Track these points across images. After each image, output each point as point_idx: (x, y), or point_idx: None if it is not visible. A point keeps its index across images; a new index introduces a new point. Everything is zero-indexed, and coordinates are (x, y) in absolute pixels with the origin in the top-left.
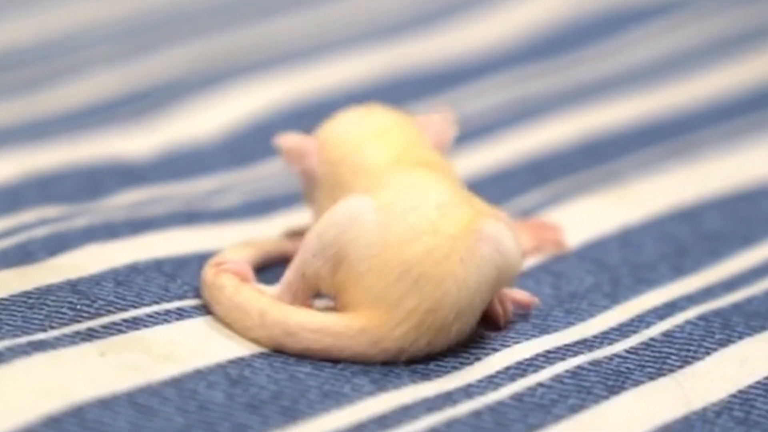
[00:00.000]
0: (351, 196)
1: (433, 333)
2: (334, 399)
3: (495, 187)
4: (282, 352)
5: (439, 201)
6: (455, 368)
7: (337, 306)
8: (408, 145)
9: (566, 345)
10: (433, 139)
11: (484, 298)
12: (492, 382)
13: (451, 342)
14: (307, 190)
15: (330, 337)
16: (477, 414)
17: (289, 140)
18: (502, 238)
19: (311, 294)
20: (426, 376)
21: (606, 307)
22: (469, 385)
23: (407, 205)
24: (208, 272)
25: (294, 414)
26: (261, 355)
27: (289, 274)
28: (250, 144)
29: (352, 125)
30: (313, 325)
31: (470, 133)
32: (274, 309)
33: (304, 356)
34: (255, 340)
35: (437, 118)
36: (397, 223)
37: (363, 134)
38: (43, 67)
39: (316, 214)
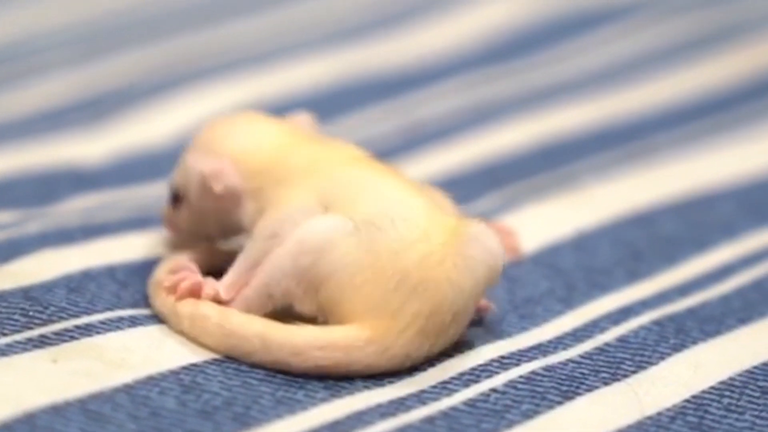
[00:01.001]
0: (320, 215)
1: (434, 337)
2: (287, 405)
3: (450, 192)
4: (233, 359)
5: (425, 209)
6: (409, 374)
7: (325, 321)
8: (324, 140)
9: (520, 350)
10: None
11: (476, 300)
12: (446, 387)
13: (448, 345)
14: (222, 215)
15: (339, 351)
16: (430, 419)
17: (203, 162)
18: (489, 240)
19: (269, 310)
20: (379, 382)
21: (560, 312)
22: (423, 391)
23: (394, 216)
24: (178, 302)
25: (247, 420)
26: (214, 362)
27: (249, 290)
28: None
29: (251, 133)
30: (319, 341)
31: (426, 137)
32: (273, 331)
33: (308, 374)
34: (256, 364)
35: (305, 119)
36: (386, 236)
37: (273, 139)
38: None
39: (245, 231)
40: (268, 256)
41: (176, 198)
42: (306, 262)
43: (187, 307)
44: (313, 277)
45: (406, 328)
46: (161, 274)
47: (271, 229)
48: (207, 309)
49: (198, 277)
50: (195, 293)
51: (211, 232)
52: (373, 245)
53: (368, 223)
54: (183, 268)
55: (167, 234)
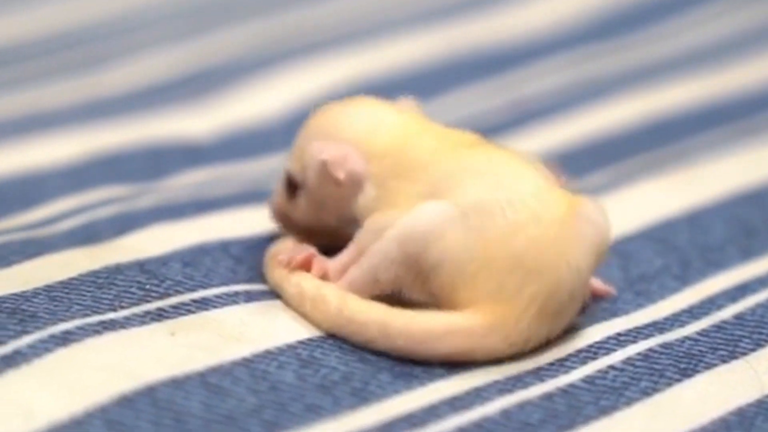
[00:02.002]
0: (428, 202)
1: (551, 319)
2: (405, 380)
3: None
4: None
5: (533, 189)
6: (526, 353)
7: (439, 306)
8: (437, 127)
9: (637, 327)
10: None
11: (589, 278)
12: (563, 365)
13: (565, 326)
14: (342, 203)
15: (460, 340)
16: (549, 396)
17: (325, 149)
18: (600, 218)
19: (374, 294)
20: (497, 361)
21: (676, 290)
22: (540, 368)
23: (502, 201)
24: (298, 282)
25: (365, 395)
26: (331, 336)
27: (356, 273)
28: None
29: (371, 118)
30: (440, 330)
31: (532, 114)
32: (393, 318)
33: (431, 362)
34: (378, 351)
35: (410, 103)
36: (495, 222)
37: (393, 124)
38: (106, 46)
39: (359, 218)
40: (377, 241)
41: (292, 186)
42: (413, 250)
43: (309, 288)
44: (422, 266)
45: (525, 313)
46: (278, 249)
47: (385, 224)
48: (328, 292)
49: (312, 251)
50: (306, 266)
51: (328, 223)
52: (483, 231)
53: (477, 209)
54: (298, 244)
55: (276, 225)
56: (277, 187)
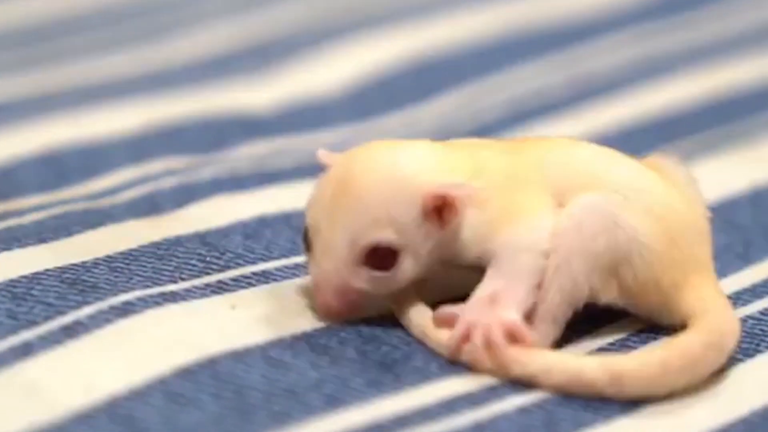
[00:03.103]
0: (578, 198)
1: None
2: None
3: (620, 146)
4: None
5: (633, 162)
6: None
7: (631, 301)
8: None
9: None
10: None
11: None
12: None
13: None
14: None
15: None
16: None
17: (440, 188)
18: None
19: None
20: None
21: (738, 268)
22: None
23: (631, 184)
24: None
25: (427, 374)
26: (391, 316)
27: (545, 317)
28: (372, 97)
29: (426, 154)
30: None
31: (594, 91)
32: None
33: None
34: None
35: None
36: (652, 196)
37: (448, 148)
38: (167, 17)
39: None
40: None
41: (384, 258)
42: (602, 249)
43: (553, 370)
44: (611, 262)
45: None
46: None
47: (537, 242)
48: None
49: (492, 328)
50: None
51: (435, 268)
52: (649, 208)
53: (630, 190)
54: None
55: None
56: (329, 275)
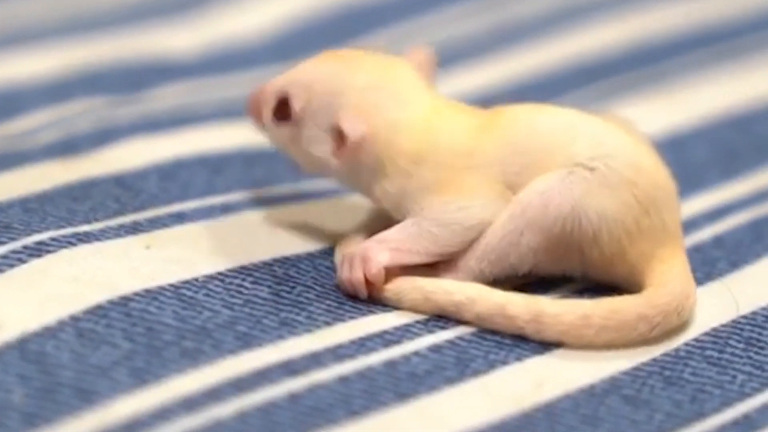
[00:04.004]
0: (542, 176)
1: None
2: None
3: (542, 88)
4: (310, 258)
5: (601, 123)
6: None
7: (596, 273)
8: (463, 110)
9: None
10: (422, 75)
11: None
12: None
13: None
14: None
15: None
16: (437, 348)
17: (353, 127)
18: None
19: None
20: (387, 310)
21: None
22: (428, 320)
23: (605, 145)
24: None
25: (340, 315)
26: (307, 257)
27: (476, 265)
28: (293, 41)
29: (403, 103)
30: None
31: (518, 34)
32: (594, 311)
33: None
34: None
35: (426, 57)
36: (619, 169)
37: (425, 115)
38: None
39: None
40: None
41: (283, 110)
42: (564, 229)
43: (451, 297)
44: (576, 241)
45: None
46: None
47: (462, 223)
48: (497, 299)
49: (356, 271)
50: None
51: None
52: (616, 181)
53: (595, 163)
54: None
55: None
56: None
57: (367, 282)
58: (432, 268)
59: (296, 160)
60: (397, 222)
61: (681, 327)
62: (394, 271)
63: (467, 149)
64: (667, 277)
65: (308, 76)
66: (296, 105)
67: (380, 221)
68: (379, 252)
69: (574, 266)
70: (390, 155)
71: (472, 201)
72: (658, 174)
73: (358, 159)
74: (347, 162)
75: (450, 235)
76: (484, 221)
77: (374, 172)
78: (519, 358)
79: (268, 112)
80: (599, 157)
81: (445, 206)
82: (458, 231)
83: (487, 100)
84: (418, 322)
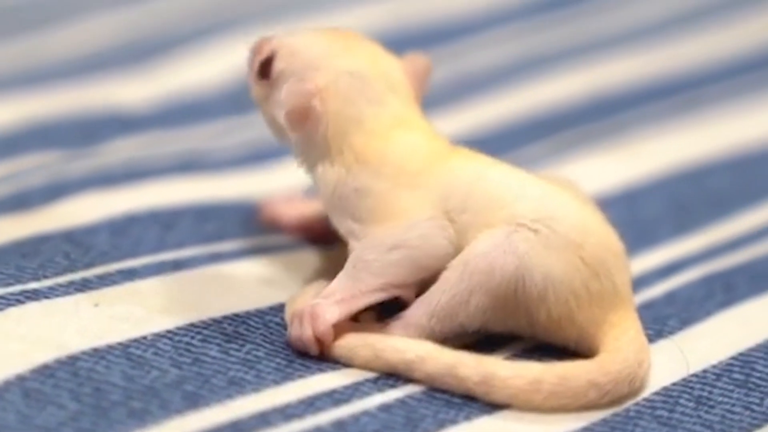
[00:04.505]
0: (489, 231)
1: None
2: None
3: (497, 140)
4: (262, 316)
5: (545, 184)
6: None
7: (547, 334)
8: (425, 133)
9: None
10: (415, 84)
11: None
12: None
13: None
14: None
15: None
16: (387, 408)
17: (292, 95)
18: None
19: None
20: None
21: None
22: (378, 378)
23: (551, 206)
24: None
25: (290, 371)
26: (257, 313)
27: (427, 322)
28: (247, 94)
29: (372, 105)
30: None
31: (476, 85)
32: (546, 376)
33: None
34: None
35: (423, 63)
36: (565, 229)
37: (390, 122)
38: (41, 12)
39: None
40: (450, 279)
41: (267, 68)
42: (509, 291)
43: (402, 356)
44: (522, 301)
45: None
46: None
47: (394, 240)
48: (449, 359)
49: (306, 329)
50: (315, 342)
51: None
52: (562, 241)
53: (542, 222)
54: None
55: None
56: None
57: (317, 339)
58: (384, 324)
59: (265, 121)
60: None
61: None
62: (345, 327)
63: (413, 169)
64: (621, 343)
65: (300, 43)
66: (277, 66)
67: (331, 276)
68: (327, 308)
69: (523, 327)
70: (339, 144)
71: (405, 218)
72: (605, 236)
73: (308, 134)
74: (297, 132)
75: (386, 258)
76: (420, 237)
77: (321, 154)
78: (468, 418)
79: (255, 66)
80: (542, 219)
81: (377, 232)
82: (393, 251)
83: None
84: (367, 380)
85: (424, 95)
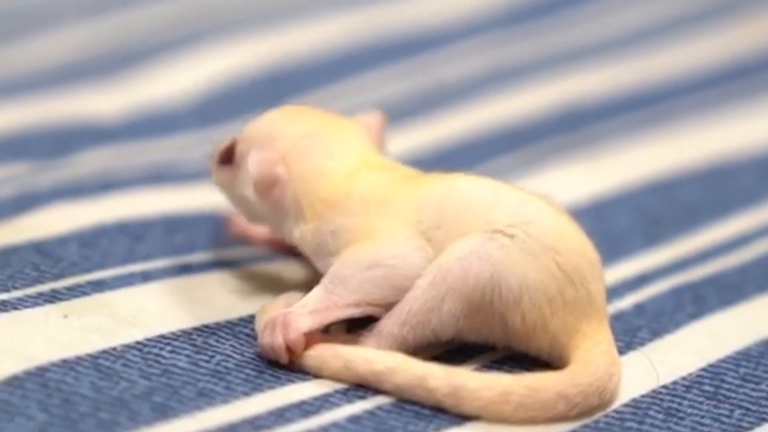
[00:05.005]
0: (464, 239)
1: None
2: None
3: (467, 153)
4: (244, 324)
5: (521, 193)
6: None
7: (518, 342)
8: (384, 168)
9: None
10: (371, 138)
11: None
12: None
13: None
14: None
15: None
16: (356, 419)
17: (257, 164)
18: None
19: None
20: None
21: None
22: (348, 389)
23: (526, 213)
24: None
25: (259, 383)
26: (227, 324)
27: (398, 330)
28: (219, 105)
29: (328, 155)
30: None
31: (445, 98)
32: (515, 388)
33: None
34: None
35: (376, 120)
36: (540, 235)
37: (346, 167)
38: (11, 23)
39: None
40: (423, 291)
41: (229, 154)
42: (484, 297)
43: (370, 365)
44: (497, 307)
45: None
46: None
47: (372, 259)
48: (417, 371)
49: (277, 337)
50: (286, 350)
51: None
52: (537, 248)
53: (517, 229)
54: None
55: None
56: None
57: (288, 347)
58: (355, 336)
59: (234, 205)
60: (319, 277)
61: None
62: (316, 338)
63: (381, 198)
64: (592, 354)
65: (255, 125)
66: (239, 148)
67: (301, 287)
68: (299, 317)
69: (497, 335)
70: (309, 200)
71: (381, 239)
72: (581, 242)
73: (278, 200)
74: (267, 201)
75: (362, 275)
76: (396, 256)
77: (295, 216)
78: (437, 429)
79: (216, 156)
80: (518, 224)
81: (355, 248)
82: (371, 269)
83: (412, 163)
84: (337, 391)
85: (382, 148)
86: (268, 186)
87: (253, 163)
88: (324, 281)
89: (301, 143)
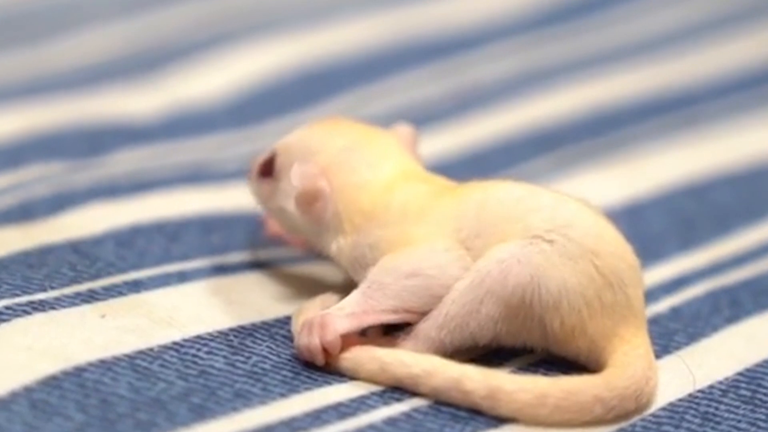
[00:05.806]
0: (502, 244)
1: None
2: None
3: (501, 155)
4: (281, 326)
5: (559, 196)
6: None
7: (557, 345)
8: (420, 178)
9: None
10: (408, 152)
11: None
12: None
13: None
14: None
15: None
16: (392, 421)
17: (301, 177)
18: None
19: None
20: (342, 380)
21: None
22: (384, 391)
23: (564, 217)
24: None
25: (296, 384)
26: (263, 326)
27: (437, 334)
28: (255, 105)
29: (366, 169)
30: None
31: (476, 100)
32: (552, 390)
33: None
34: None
35: (408, 132)
36: (580, 240)
37: (385, 179)
38: (47, 22)
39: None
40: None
41: (269, 167)
42: (524, 301)
43: (406, 367)
44: (536, 311)
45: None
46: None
47: (412, 267)
48: (455, 373)
49: (314, 338)
50: (322, 352)
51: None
52: (577, 253)
53: (556, 234)
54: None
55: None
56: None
57: (324, 349)
58: (392, 337)
59: (273, 217)
60: (355, 286)
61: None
62: (352, 340)
63: (420, 208)
64: (629, 358)
65: (295, 138)
66: (279, 161)
67: (339, 289)
68: (337, 319)
69: (534, 338)
70: (349, 213)
71: (425, 247)
72: (619, 246)
73: (319, 214)
74: (309, 215)
75: (402, 283)
76: (436, 266)
77: (334, 230)
78: (474, 431)
79: (255, 168)
80: (557, 229)
81: (395, 255)
82: (410, 277)
83: (444, 166)
84: (373, 393)
85: (417, 160)
86: (310, 200)
87: (296, 177)
88: (362, 286)
89: (341, 157)
